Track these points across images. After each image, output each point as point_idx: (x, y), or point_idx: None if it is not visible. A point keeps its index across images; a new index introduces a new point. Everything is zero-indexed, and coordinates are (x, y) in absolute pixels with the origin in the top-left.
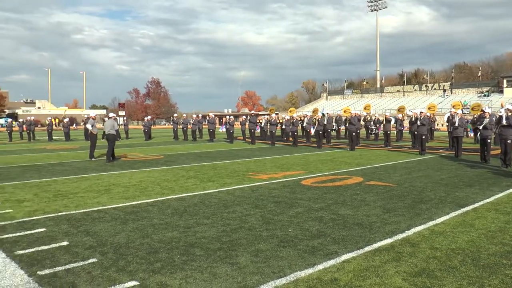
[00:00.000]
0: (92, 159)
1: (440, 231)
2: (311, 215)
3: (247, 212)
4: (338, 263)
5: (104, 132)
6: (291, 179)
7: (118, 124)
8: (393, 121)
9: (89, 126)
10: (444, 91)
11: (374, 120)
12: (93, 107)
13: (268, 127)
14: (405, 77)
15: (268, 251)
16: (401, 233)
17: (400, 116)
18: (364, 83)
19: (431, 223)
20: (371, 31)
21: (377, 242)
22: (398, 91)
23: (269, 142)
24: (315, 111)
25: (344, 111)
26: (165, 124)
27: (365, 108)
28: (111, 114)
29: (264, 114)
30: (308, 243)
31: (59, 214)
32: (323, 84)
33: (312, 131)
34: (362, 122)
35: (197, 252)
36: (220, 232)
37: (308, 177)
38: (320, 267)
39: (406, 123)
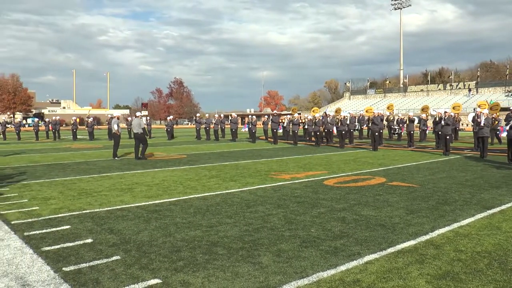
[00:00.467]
0: (116, 158)
1: (465, 234)
2: (333, 215)
3: (270, 212)
4: (360, 264)
5: (132, 131)
6: (313, 179)
7: (145, 123)
8: (416, 121)
9: (115, 126)
10: (470, 90)
11: (397, 120)
12: (117, 107)
13: (291, 126)
14: (429, 76)
15: (290, 251)
16: (425, 234)
17: (423, 115)
18: (387, 82)
19: (455, 225)
20: (394, 30)
21: (400, 244)
22: (421, 90)
23: (292, 142)
24: (337, 111)
25: (367, 111)
26: (188, 124)
27: (388, 108)
28: (138, 113)
29: (286, 114)
30: (331, 243)
31: (84, 212)
32: (345, 84)
33: (335, 131)
34: (385, 122)
35: (220, 251)
36: (243, 232)
37: (331, 177)
38: (343, 268)
39: (430, 123)
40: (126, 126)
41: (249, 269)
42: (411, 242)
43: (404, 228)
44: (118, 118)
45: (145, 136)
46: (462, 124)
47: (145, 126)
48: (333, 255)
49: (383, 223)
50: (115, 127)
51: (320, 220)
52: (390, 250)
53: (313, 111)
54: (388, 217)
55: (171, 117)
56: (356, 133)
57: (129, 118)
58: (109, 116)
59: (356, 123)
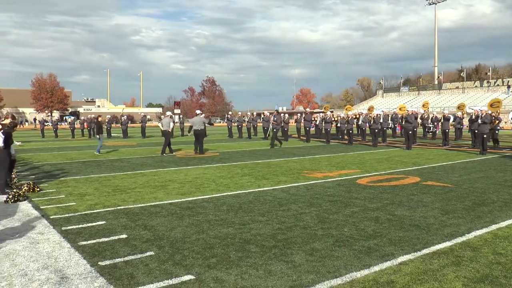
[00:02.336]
0: (164, 154)
1: (505, 236)
2: (366, 215)
3: (302, 210)
4: (394, 265)
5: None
6: (346, 178)
7: (174, 122)
8: (451, 119)
9: (169, 124)
10: (509, 87)
11: (432, 118)
12: (150, 105)
13: (323, 125)
14: (464, 73)
15: (323, 250)
16: (461, 236)
17: (459, 114)
18: (421, 79)
19: (494, 227)
20: (428, 26)
21: (435, 245)
22: (457, 87)
23: (324, 140)
24: (370, 109)
25: (400, 109)
26: (220, 122)
27: (423, 106)
28: (167, 113)
29: (319, 112)
30: (364, 243)
31: (118, 208)
32: (380, 82)
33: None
34: (419, 120)
35: (252, 249)
36: (275, 230)
37: (364, 176)
38: (376, 268)
39: (465, 121)
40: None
41: (281, 267)
42: (447, 244)
43: (439, 229)
44: (171, 117)
45: (170, 134)
46: (506, 123)
47: (174, 126)
48: (367, 255)
49: (417, 223)
50: (171, 125)
51: (353, 220)
52: (425, 251)
53: (346, 109)
54: (423, 218)
55: (203, 115)
56: (389, 131)
57: (162, 117)
58: (142, 114)
59: (389, 121)
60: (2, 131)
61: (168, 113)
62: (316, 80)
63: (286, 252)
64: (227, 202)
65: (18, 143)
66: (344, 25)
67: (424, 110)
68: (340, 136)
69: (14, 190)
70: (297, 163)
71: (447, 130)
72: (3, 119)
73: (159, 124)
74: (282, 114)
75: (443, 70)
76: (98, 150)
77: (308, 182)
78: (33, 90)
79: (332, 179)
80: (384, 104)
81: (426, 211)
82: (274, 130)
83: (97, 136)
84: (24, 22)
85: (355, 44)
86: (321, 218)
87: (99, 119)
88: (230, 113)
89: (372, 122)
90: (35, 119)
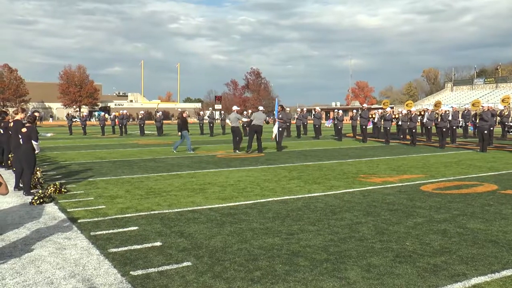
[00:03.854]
0: (237, 151)
1: None
2: (432, 227)
3: (358, 220)
4: (466, 287)
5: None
6: (408, 183)
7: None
8: None
9: (243, 119)
10: None
11: None
12: (187, 100)
13: (382, 123)
14: None
15: (381, 266)
16: None
17: None
18: (500, 70)
19: None
20: (510, 6)
21: None
22: None
23: (383, 140)
24: (437, 104)
25: (473, 105)
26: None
27: (502, 101)
28: (234, 107)
29: (377, 108)
30: (429, 260)
31: (152, 212)
32: (449, 73)
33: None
34: (496, 118)
35: (301, 262)
36: (327, 241)
37: (429, 182)
38: None
39: None
40: (198, 121)
41: (334, 284)
42: None
43: None
44: (237, 112)
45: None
46: None
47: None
48: (433, 274)
49: (495, 239)
50: (244, 119)
51: (417, 232)
52: (505, 273)
53: (406, 105)
54: (502, 232)
55: (249, 111)
56: (459, 130)
57: (201, 113)
58: (179, 110)
59: (460, 119)
60: (26, 128)
61: (235, 107)
62: (375, 72)
63: (339, 267)
64: (273, 208)
65: (49, 135)
66: (407, 9)
67: (504, 106)
68: (402, 136)
69: (40, 191)
70: (352, 166)
71: None
72: (14, 114)
73: (228, 121)
74: (288, 110)
75: None
76: (190, 149)
77: (365, 188)
78: (61, 84)
79: (392, 185)
80: (453, 99)
81: (506, 225)
82: (280, 129)
83: (180, 131)
84: (55, 11)
85: (419, 30)
86: (379, 229)
87: (184, 115)
88: (287, 109)
89: (439, 120)
90: (68, 115)
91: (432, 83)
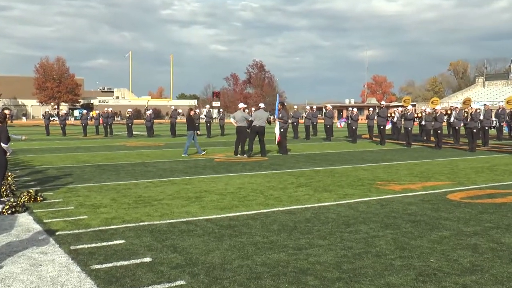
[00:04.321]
0: (238, 155)
1: None
2: (461, 241)
3: (375, 233)
4: None
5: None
6: (433, 191)
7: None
8: None
9: (247, 116)
10: None
11: None
12: (182, 96)
13: (403, 122)
14: None
15: (402, 285)
16: None
17: None
18: None
19: None
20: None
21: None
22: None
23: (404, 142)
24: (466, 102)
25: (508, 102)
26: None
27: (507, 103)
28: (241, 105)
29: (397, 106)
30: (457, 279)
31: (141, 224)
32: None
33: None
34: None
35: (310, 282)
36: (340, 257)
37: (457, 190)
38: None
39: None
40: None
41: None
42: None
43: None
44: (244, 110)
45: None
46: None
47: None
48: None
49: None
50: (248, 117)
51: (443, 247)
52: None
53: (433, 102)
54: None
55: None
56: (492, 131)
57: (197, 111)
58: (172, 108)
59: (493, 119)
60: None
61: (242, 105)
62: (394, 65)
63: (353, 286)
64: (278, 219)
65: (22, 138)
66: None
67: (510, 109)
68: (425, 138)
69: (12, 200)
70: (369, 172)
71: None
72: None
73: (232, 120)
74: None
75: None
76: (185, 152)
77: (383, 197)
78: (37, 78)
79: (414, 193)
80: (485, 96)
81: None
82: (282, 130)
83: (190, 132)
84: None
85: (445, 16)
86: (399, 244)
87: (191, 113)
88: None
89: (468, 120)
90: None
91: (460, 78)
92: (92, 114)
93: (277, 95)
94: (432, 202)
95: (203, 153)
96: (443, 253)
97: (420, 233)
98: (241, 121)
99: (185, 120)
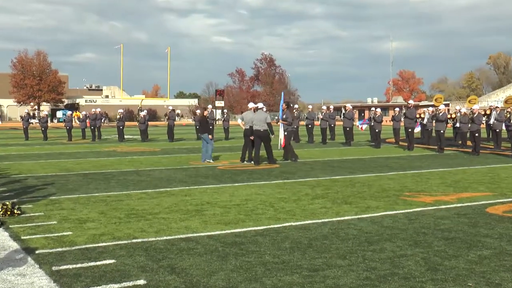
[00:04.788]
0: (245, 162)
1: None
2: (503, 262)
3: (402, 251)
4: None
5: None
6: (470, 204)
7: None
8: None
9: (268, 118)
10: None
11: None
12: (180, 95)
13: (434, 124)
14: None
15: None
16: None
17: None
18: None
19: None
20: None
21: None
22: None
23: (435, 147)
24: (508, 100)
25: (506, 101)
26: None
27: (506, 102)
28: (250, 104)
29: (427, 106)
30: None
31: (134, 241)
32: None
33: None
34: None
35: None
36: (362, 280)
37: (498, 203)
38: None
39: None
40: (193, 123)
41: None
42: None
43: None
44: (255, 110)
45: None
46: None
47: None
48: None
49: None
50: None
51: (482, 269)
52: None
53: (469, 101)
54: None
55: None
56: None
57: (198, 111)
58: (169, 108)
59: None
60: None
61: (261, 104)
62: (424, 58)
63: None
64: (291, 236)
65: None
66: None
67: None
68: (460, 142)
69: None
70: (395, 181)
71: None
72: None
73: (239, 122)
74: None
75: None
76: (209, 156)
77: (411, 210)
78: (14, 74)
79: (448, 206)
80: None
81: None
82: (285, 133)
83: (200, 134)
84: None
85: (484, 3)
86: (431, 265)
87: (205, 113)
88: (296, 106)
89: (511, 121)
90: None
91: (501, 73)
92: (74, 115)
93: (282, 93)
94: (469, 216)
95: (210, 161)
96: (483, 275)
97: (456, 252)
98: (261, 123)
99: (183, 123)
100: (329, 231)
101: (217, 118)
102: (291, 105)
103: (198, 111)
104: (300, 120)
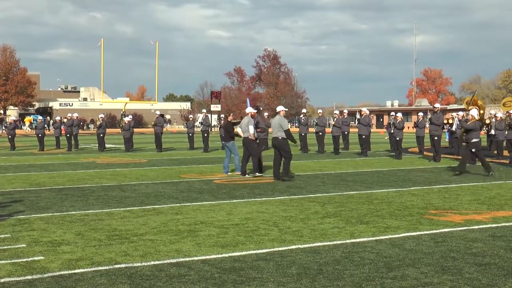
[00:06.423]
0: (247, 175)
1: None
2: None
3: (428, 279)
4: None
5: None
6: (506, 224)
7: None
8: None
9: (251, 128)
10: None
11: None
12: (170, 98)
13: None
14: None
15: None
16: None
17: None
18: None
19: None
20: None
21: None
22: None
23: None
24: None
25: (504, 104)
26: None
27: (503, 105)
28: (248, 109)
29: (456, 110)
30: None
31: (116, 266)
32: None
33: None
34: None
35: None
36: None
37: None
38: None
39: None
40: (186, 130)
41: None
42: None
43: None
44: (252, 116)
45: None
46: None
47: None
48: None
49: None
50: (251, 129)
51: None
52: None
53: (503, 104)
54: None
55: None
56: None
57: (190, 116)
58: (157, 113)
59: None
60: None
61: (281, 107)
62: (452, 55)
63: None
64: (297, 261)
65: None
66: None
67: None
68: (496, 152)
69: None
70: (418, 198)
71: None
72: None
73: (239, 130)
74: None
75: None
76: (237, 167)
77: (438, 231)
78: None
79: (481, 226)
80: None
81: None
82: (257, 140)
83: (224, 143)
84: None
85: None
86: None
87: (230, 118)
88: (304, 111)
89: None
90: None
91: None
92: (26, 121)
93: (248, 99)
94: (505, 239)
95: (229, 173)
96: None
97: (491, 281)
98: (278, 129)
99: (174, 130)
100: (342, 255)
101: (213, 125)
102: (261, 109)
103: (190, 116)
104: (308, 127)
